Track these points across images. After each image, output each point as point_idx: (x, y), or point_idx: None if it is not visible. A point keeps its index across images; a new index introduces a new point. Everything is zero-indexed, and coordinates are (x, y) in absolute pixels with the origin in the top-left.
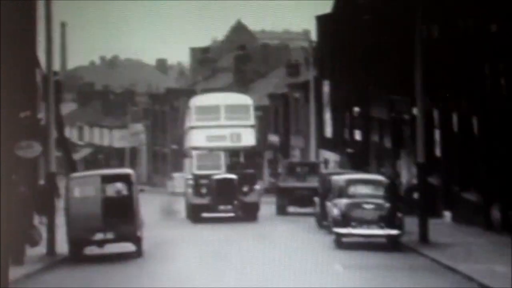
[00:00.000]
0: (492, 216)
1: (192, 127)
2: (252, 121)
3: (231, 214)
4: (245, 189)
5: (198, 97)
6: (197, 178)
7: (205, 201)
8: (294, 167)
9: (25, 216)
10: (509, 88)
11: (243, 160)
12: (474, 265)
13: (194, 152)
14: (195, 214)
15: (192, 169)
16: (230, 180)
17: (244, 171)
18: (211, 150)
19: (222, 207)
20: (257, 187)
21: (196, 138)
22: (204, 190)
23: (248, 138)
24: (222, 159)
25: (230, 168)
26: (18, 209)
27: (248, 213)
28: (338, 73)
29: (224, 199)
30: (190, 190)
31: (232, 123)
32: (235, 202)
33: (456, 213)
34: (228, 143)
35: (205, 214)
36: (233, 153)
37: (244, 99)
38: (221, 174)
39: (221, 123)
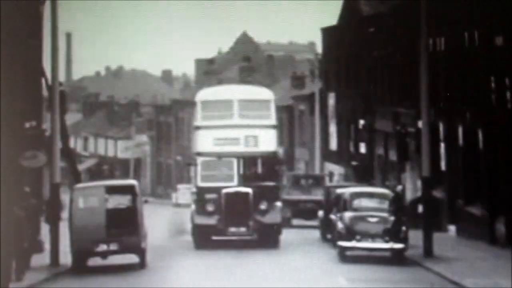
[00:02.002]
0: (497, 230)
1: (198, 128)
2: (273, 120)
3: (246, 237)
4: (263, 206)
5: (206, 90)
6: (202, 192)
7: (211, 221)
8: (298, 179)
9: (35, 225)
10: None
11: (261, 170)
12: (478, 280)
13: (199, 159)
14: (199, 238)
15: (196, 180)
16: (244, 194)
17: (263, 183)
18: (220, 156)
19: (233, 229)
20: (279, 204)
21: (202, 141)
22: (210, 208)
23: (268, 142)
24: (235, 168)
25: (244, 180)
26: (29, 220)
27: (267, 237)
28: (343, 86)
29: (236, 219)
30: (193, 207)
31: (247, 122)
32: (250, 223)
33: (460, 227)
34: (242, 148)
35: (213, 237)
36: (248, 160)
37: (263, 93)
38: (233, 187)
39: (234, 122)
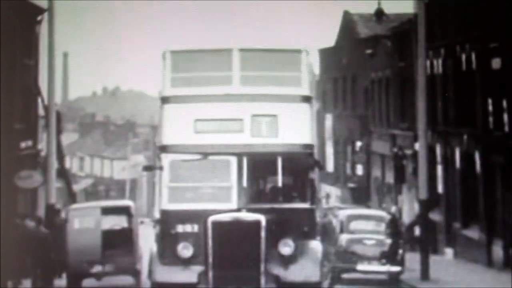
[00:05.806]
0: (494, 253)
1: (165, 100)
2: (305, 87)
3: None
4: (286, 248)
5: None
6: (170, 220)
7: (188, 277)
8: None
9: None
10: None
11: (283, 180)
12: None
13: (165, 158)
14: None
15: (161, 198)
16: (251, 226)
17: (287, 205)
18: (205, 153)
19: None
20: (317, 245)
21: (172, 126)
22: (186, 251)
23: (297, 128)
24: (233, 177)
25: (251, 198)
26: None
27: None
28: (340, 107)
29: (235, 273)
30: (154, 250)
31: (258, 90)
32: (262, 280)
33: (457, 250)
34: (248, 138)
35: None
36: (259, 161)
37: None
38: (230, 211)
39: (233, 90)
